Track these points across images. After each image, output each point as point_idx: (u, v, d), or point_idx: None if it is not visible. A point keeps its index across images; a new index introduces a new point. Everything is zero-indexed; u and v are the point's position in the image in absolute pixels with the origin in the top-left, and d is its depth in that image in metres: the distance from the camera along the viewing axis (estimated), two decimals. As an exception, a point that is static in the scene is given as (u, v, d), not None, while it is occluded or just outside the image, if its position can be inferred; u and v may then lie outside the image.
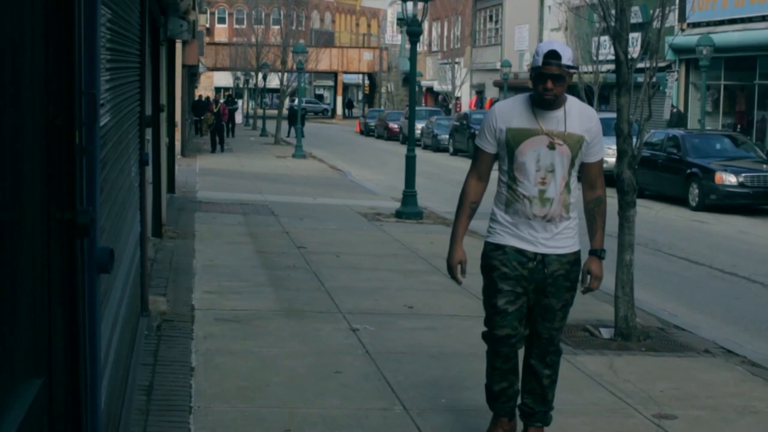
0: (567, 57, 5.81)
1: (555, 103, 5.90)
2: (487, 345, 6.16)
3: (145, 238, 9.20)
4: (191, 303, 10.29)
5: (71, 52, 3.76)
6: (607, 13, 9.62)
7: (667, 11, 9.97)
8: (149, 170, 13.17)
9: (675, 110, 36.42)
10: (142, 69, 8.79)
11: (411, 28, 19.50)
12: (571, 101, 6.02)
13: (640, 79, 10.15)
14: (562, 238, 5.97)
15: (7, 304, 2.93)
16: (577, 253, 6.08)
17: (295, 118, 55.61)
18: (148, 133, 12.16)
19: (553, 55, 5.76)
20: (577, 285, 6.12)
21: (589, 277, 6.06)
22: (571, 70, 5.83)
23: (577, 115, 5.97)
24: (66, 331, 3.95)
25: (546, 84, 5.81)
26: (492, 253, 6.01)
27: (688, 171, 24.11)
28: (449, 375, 8.04)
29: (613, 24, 9.48)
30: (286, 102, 55.75)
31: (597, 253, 6.08)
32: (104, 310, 4.96)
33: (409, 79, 20.59)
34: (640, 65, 10.13)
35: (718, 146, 25.85)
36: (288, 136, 54.73)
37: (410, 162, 19.79)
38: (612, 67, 9.83)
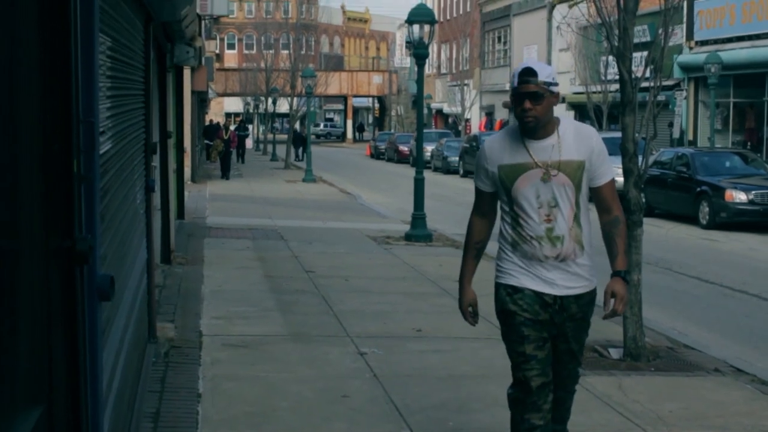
0: (546, 74, 5.33)
1: (541, 128, 5.39)
2: (519, 401, 5.55)
3: (152, 265, 9.21)
4: (199, 329, 10.29)
5: (68, 80, 3.78)
6: (610, 33, 9.62)
7: (671, 30, 9.95)
8: (157, 197, 13.23)
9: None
10: (147, 96, 8.83)
11: (417, 50, 19.54)
12: (565, 124, 5.50)
13: (659, 98, 10.12)
14: (578, 277, 5.48)
15: (6, 331, 2.94)
16: (594, 291, 5.61)
17: (299, 142, 55.69)
18: (156, 160, 12.20)
19: (528, 73, 5.30)
20: (590, 319, 5.70)
21: (613, 300, 5.46)
22: (552, 88, 5.32)
23: (573, 139, 5.43)
24: (67, 359, 3.95)
25: (523, 104, 5.31)
26: (509, 297, 5.51)
27: (698, 189, 24.06)
28: (457, 398, 8.01)
29: (616, 44, 9.48)
30: (298, 126, 55.96)
31: (621, 274, 5.53)
32: (107, 338, 4.96)
33: (417, 101, 20.64)
34: (647, 84, 10.13)
35: (727, 164, 25.79)
36: (300, 159, 54.85)
37: (419, 184, 19.80)
38: (620, 86, 9.80)
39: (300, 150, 58.73)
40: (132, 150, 7.10)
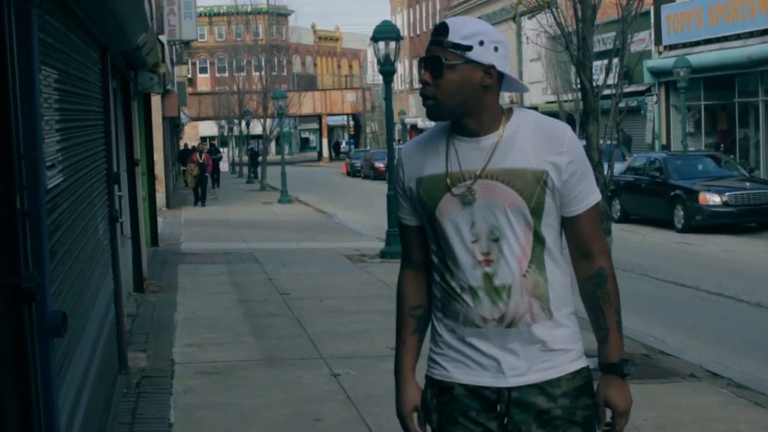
0: (465, 32, 3.31)
1: (470, 118, 3.40)
2: None
3: (120, 295, 9.13)
4: (171, 357, 10.21)
5: (6, 116, 3.73)
6: (569, 43, 9.61)
7: (631, 37, 9.94)
8: (126, 225, 13.15)
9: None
10: (107, 126, 8.76)
11: (384, 67, 19.49)
12: (521, 116, 3.43)
13: (621, 104, 10.11)
14: (544, 353, 3.44)
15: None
16: (583, 372, 3.49)
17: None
18: (123, 189, 12.13)
19: (438, 30, 3.37)
20: (595, 423, 3.50)
21: (609, 412, 3.49)
22: (469, 54, 3.29)
23: (531, 138, 3.39)
24: (18, 399, 3.89)
25: (420, 76, 3.41)
26: (434, 400, 3.53)
27: (672, 193, 24.10)
28: (430, 416, 7.94)
29: (576, 53, 9.47)
30: (271, 145, 55.68)
31: (616, 370, 3.49)
32: (66, 373, 4.89)
33: (386, 117, 20.61)
34: (609, 92, 10.13)
35: (700, 167, 25.86)
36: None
37: (391, 201, 19.74)
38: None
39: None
40: (90, 181, 7.03)
